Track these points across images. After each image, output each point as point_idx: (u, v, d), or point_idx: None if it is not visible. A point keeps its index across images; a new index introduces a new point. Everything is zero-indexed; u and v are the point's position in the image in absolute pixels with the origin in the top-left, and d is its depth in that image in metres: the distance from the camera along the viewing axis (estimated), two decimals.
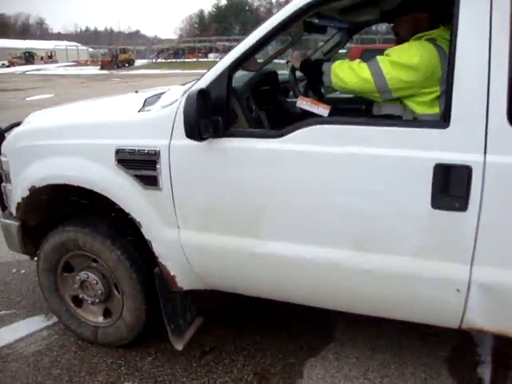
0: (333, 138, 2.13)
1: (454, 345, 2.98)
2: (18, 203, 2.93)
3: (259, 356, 2.92)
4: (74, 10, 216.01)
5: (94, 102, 3.87)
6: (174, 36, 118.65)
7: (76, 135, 2.70)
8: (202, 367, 2.84)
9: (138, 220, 2.59)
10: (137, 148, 2.47)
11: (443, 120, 2.01)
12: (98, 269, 2.88)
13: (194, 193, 2.43)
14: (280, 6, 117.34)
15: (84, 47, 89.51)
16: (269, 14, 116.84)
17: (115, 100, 3.71)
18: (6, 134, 3.19)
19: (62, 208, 3.09)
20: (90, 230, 2.78)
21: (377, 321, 3.13)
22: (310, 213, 2.24)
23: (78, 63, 70.18)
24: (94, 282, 2.90)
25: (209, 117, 2.20)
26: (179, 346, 2.81)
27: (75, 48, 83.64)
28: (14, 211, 3.02)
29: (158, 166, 2.43)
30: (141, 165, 2.47)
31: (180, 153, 2.39)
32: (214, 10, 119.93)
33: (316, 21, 3.37)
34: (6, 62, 68.43)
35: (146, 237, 2.62)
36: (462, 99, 1.93)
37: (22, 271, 4.21)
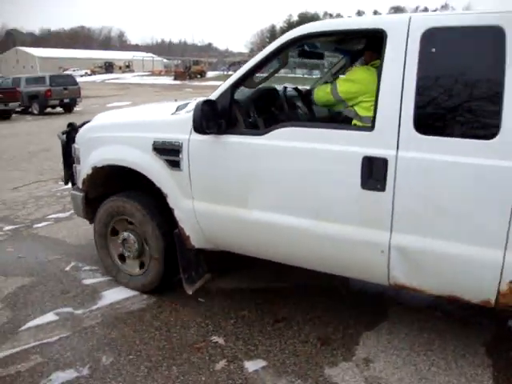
0: (298, 136, 3.03)
1: (493, 332, 3.40)
2: (84, 179, 4.09)
3: (323, 326, 3.47)
4: (152, 23, 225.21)
5: (144, 106, 5.13)
6: (245, 50, 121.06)
7: (126, 130, 3.80)
8: (275, 331, 3.43)
9: (165, 192, 3.55)
10: (167, 140, 3.47)
11: (370, 125, 2.83)
12: (133, 229, 3.90)
13: (204, 174, 3.39)
14: None
15: (159, 58, 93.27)
16: None
17: (158, 106, 4.74)
18: (79, 129, 4.42)
19: (112, 185, 4.13)
20: (128, 198, 3.86)
21: (426, 306, 3.64)
22: (283, 191, 3.10)
23: (153, 73, 73.24)
24: (132, 240, 3.92)
25: (215, 119, 3.16)
26: (189, 291, 3.68)
27: (151, 59, 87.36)
28: (80, 185, 4.20)
29: (180, 154, 3.41)
30: (169, 152, 3.47)
31: (195, 145, 3.35)
32: (286, 25, 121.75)
33: (313, 48, 4.35)
34: (89, 71, 72.62)
35: (170, 205, 3.56)
36: (382, 111, 2.75)
37: None
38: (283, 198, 3.12)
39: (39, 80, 22.71)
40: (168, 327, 3.49)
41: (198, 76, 62.06)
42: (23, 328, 3.54)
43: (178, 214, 3.56)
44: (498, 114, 2.47)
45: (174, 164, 3.47)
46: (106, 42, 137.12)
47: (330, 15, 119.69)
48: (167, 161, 3.49)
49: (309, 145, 2.97)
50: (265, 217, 3.19)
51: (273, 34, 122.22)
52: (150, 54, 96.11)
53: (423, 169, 2.65)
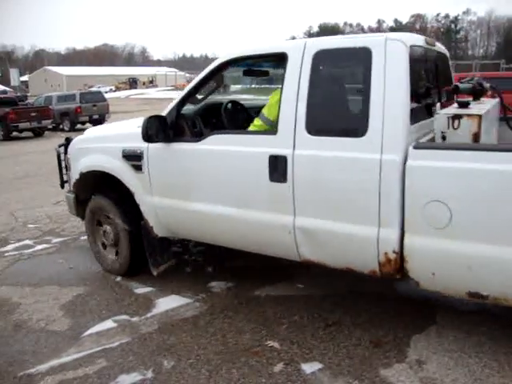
0: (223, 141, 3.78)
1: None
2: (74, 183, 5.02)
3: (373, 330, 3.57)
4: (173, 39, 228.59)
5: (122, 121, 6.16)
6: None
7: (103, 142, 4.72)
8: (327, 335, 3.54)
9: (132, 190, 4.37)
10: (132, 149, 4.29)
11: (274, 131, 3.51)
12: (111, 223, 4.68)
13: (159, 174, 4.17)
14: (371, 32, 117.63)
15: (181, 72, 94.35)
16: None
17: (134, 120, 5.31)
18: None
19: (97, 187, 4.88)
20: (104, 197, 4.73)
21: (473, 310, 3.70)
22: (213, 185, 3.86)
23: (176, 87, 74.13)
24: (109, 231, 4.73)
25: (164, 130, 3.95)
26: (154, 273, 4.48)
27: (173, 73, 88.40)
28: (71, 188, 5.14)
29: (142, 160, 4.23)
30: (134, 158, 4.28)
31: (152, 151, 4.15)
32: (306, 36, 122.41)
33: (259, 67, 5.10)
34: (113, 88, 74.00)
35: (137, 201, 4.37)
36: (282, 118, 3.45)
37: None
38: (213, 191, 3.88)
39: (69, 97, 23.34)
40: (223, 333, 3.62)
41: (221, 90, 62.39)
42: (85, 334, 3.72)
43: (142, 208, 4.36)
44: (367, 117, 3.09)
45: (138, 167, 4.29)
46: (130, 58, 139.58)
47: (350, 25, 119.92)
48: (133, 165, 4.32)
49: (230, 148, 3.73)
50: (202, 207, 3.94)
51: None
52: (172, 69, 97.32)
53: (313, 163, 3.32)
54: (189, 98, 4.16)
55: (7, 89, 78.39)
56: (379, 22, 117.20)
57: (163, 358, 3.36)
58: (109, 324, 3.86)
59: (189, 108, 4.54)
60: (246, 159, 3.63)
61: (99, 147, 4.68)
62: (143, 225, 4.40)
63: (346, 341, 3.44)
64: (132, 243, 4.53)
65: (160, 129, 3.93)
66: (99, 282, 4.67)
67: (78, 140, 5.08)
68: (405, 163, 2.98)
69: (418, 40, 3.59)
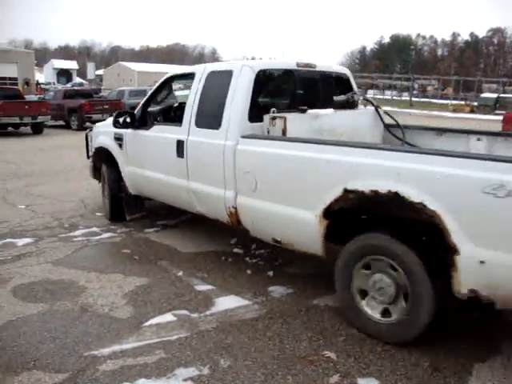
0: (157, 129, 5.68)
1: None
2: (92, 155, 7.23)
3: (433, 353, 3.47)
4: (242, 41, 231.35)
5: None
6: None
7: (107, 127, 6.58)
8: (385, 352, 3.47)
9: (118, 162, 6.35)
10: (118, 133, 6.23)
11: (180, 124, 5.28)
12: (105, 183, 6.98)
13: (130, 150, 6.10)
14: (445, 45, 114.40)
15: None
16: (433, 53, 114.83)
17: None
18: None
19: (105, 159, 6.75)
20: (106, 167, 6.78)
21: None
22: (153, 158, 5.70)
23: None
24: (106, 192, 6.90)
25: (132, 121, 5.91)
26: (127, 218, 6.67)
27: None
28: (91, 159, 7.27)
29: (123, 140, 6.19)
30: (119, 139, 6.27)
31: (127, 135, 6.10)
32: (377, 46, 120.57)
33: None
34: (182, 85, 75.74)
35: (120, 169, 6.34)
36: (185, 115, 5.21)
37: (229, 259, 5.22)
38: (154, 163, 5.71)
39: (141, 93, 24.06)
40: (280, 338, 3.63)
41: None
42: (146, 324, 3.83)
43: (122, 174, 6.34)
44: (221, 116, 4.65)
45: (120, 146, 6.28)
46: (200, 58, 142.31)
47: (423, 37, 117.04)
48: (118, 144, 6.31)
49: (159, 134, 5.60)
50: (148, 173, 5.80)
51: (363, 55, 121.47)
52: None
53: (196, 145, 4.95)
54: (151, 100, 6.13)
55: (83, 81, 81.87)
56: (454, 35, 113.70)
57: (220, 356, 3.40)
58: (169, 317, 3.95)
59: (155, 107, 6.73)
60: (166, 141, 5.37)
61: (105, 131, 6.68)
62: (122, 185, 6.41)
63: (405, 360, 3.36)
64: (113, 199, 6.58)
65: (130, 121, 5.91)
66: (161, 275, 4.79)
67: (96, 125, 7.25)
68: (236, 147, 4.47)
69: (277, 65, 5.34)
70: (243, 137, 4.45)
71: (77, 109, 20.96)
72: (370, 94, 65.86)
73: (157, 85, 6.03)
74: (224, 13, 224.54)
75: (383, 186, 3.33)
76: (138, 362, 3.33)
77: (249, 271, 4.91)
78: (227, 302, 4.21)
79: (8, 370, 3.26)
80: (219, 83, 4.79)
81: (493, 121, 31.07)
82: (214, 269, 4.95)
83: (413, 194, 3.19)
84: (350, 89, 5.66)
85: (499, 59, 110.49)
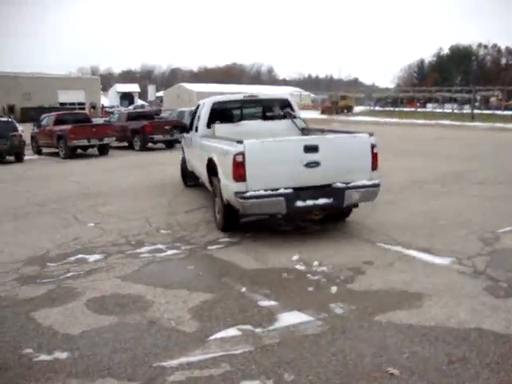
0: (192, 135, 10.25)
1: None
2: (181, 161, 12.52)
3: (503, 373, 3.38)
4: (299, 59, 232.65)
5: None
6: (391, 85, 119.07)
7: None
8: (451, 371, 3.42)
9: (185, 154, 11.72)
10: (185, 136, 11.46)
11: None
12: None
13: (184, 146, 11.55)
14: (510, 53, 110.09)
15: (306, 92, 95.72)
16: (495, 62, 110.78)
17: None
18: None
19: None
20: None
21: None
22: (189, 147, 10.81)
23: (301, 107, 75.15)
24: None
25: (185, 129, 11.88)
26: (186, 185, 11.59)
27: (298, 93, 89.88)
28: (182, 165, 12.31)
29: (184, 140, 11.72)
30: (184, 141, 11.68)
31: (184, 138, 11.46)
32: (435, 59, 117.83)
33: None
34: None
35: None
36: (199, 126, 9.45)
37: (292, 276, 5.29)
38: (187, 151, 11.09)
39: None
40: (344, 354, 3.66)
41: (345, 111, 62.47)
42: (211, 338, 3.96)
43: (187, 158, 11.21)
44: (197, 125, 9.30)
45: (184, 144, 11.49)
46: (257, 76, 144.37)
47: (485, 47, 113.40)
48: (184, 143, 11.50)
49: (187, 135, 10.98)
50: (192, 161, 10.26)
51: (421, 68, 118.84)
52: (297, 89, 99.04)
53: (192, 140, 9.71)
54: (192, 118, 10.47)
55: (144, 103, 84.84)
56: None
57: (284, 370, 3.47)
58: (233, 332, 4.06)
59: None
60: (189, 139, 10.16)
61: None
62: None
63: (472, 381, 3.30)
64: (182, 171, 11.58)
65: (184, 129, 11.54)
66: (225, 291, 4.93)
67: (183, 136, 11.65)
68: (201, 139, 8.78)
69: (233, 97, 9.70)
70: (202, 136, 8.87)
71: (139, 130, 21.79)
72: (429, 107, 64.37)
73: (204, 111, 9.33)
74: (280, 31, 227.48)
75: (212, 155, 7.47)
76: (204, 374, 3.45)
77: (311, 288, 4.96)
78: (290, 318, 4.27)
79: (85, 376, 3.47)
80: (199, 109, 9.87)
81: None
82: (277, 285, 5.03)
83: (214, 157, 7.26)
84: (291, 108, 9.42)
85: None
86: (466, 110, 58.30)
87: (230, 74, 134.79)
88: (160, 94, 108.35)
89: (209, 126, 8.76)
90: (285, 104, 9.39)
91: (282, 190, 6.24)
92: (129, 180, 12.86)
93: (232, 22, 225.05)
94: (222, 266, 5.69)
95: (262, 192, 6.18)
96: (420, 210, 8.48)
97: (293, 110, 9.30)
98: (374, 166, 6.85)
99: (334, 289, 4.91)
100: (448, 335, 3.91)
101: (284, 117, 9.13)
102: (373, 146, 6.80)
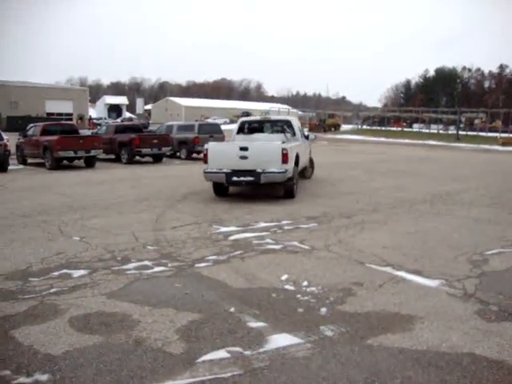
0: (232, 139, 15.35)
1: None
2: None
3: None
4: (288, 76, 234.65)
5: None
6: (378, 104, 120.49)
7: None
8: None
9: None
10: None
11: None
12: None
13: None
14: (492, 77, 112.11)
15: (294, 110, 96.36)
16: (479, 85, 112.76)
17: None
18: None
19: None
20: None
21: None
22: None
23: None
24: None
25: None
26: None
27: (286, 110, 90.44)
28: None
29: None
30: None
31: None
32: (422, 80, 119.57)
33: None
34: (228, 120, 77.17)
35: None
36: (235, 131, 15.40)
37: (281, 296, 5.20)
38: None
39: (189, 128, 24.74)
40: (334, 379, 3.57)
41: (333, 129, 62.92)
42: (199, 360, 3.84)
43: None
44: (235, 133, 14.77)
45: None
46: (245, 93, 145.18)
47: (469, 70, 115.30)
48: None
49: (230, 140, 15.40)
50: None
51: (407, 89, 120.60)
52: (285, 106, 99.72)
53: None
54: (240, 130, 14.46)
55: (133, 116, 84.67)
56: (501, 66, 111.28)
57: None
58: (222, 354, 3.95)
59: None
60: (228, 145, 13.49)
61: None
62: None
63: None
64: None
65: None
66: (213, 311, 4.82)
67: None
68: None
69: (254, 118, 17.07)
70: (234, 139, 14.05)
71: (127, 143, 21.67)
72: (416, 127, 65.08)
73: (237, 125, 14.62)
74: (269, 48, 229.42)
75: None
76: None
77: (300, 309, 4.87)
78: (280, 340, 4.17)
79: None
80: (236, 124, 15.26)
81: None
82: (266, 306, 4.93)
83: None
84: (290, 126, 14.51)
85: None
86: (452, 130, 59.09)
87: (219, 90, 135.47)
88: (148, 107, 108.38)
89: (238, 133, 14.41)
90: (287, 123, 14.78)
91: (224, 170, 11.33)
92: (116, 193, 12.71)
93: (222, 37, 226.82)
94: (210, 285, 5.58)
95: (214, 170, 11.42)
96: (410, 230, 8.47)
97: (291, 127, 14.47)
98: (284, 161, 11.14)
99: (323, 310, 4.83)
100: (441, 360, 3.84)
101: (279, 131, 14.54)
102: (282, 149, 11.19)
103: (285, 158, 11.05)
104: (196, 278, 5.83)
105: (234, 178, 11.25)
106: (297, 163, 12.10)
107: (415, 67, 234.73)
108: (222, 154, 11.45)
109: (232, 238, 7.81)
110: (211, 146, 11.63)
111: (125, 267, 6.24)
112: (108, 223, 8.89)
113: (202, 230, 8.41)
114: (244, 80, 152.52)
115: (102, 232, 8.19)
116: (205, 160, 11.47)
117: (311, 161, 15.99)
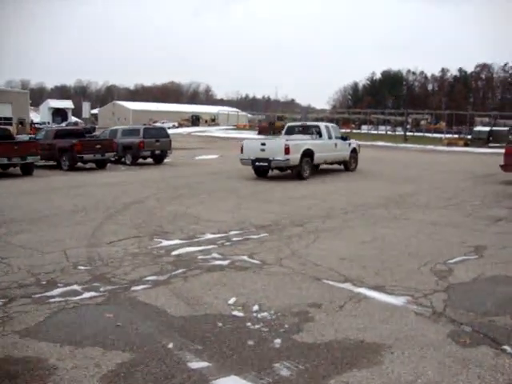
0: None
1: None
2: None
3: None
4: (237, 79, 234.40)
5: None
6: (327, 106, 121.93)
7: None
8: None
9: None
10: None
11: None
12: None
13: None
14: (435, 80, 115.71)
15: (243, 113, 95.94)
16: (423, 88, 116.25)
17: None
18: None
19: None
20: None
21: None
22: None
23: (237, 127, 75.18)
24: None
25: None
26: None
27: (236, 113, 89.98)
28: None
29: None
30: None
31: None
32: (369, 82, 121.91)
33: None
34: (176, 124, 75.92)
35: None
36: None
37: (228, 325, 4.49)
38: None
39: (134, 132, 23.61)
40: None
41: (282, 131, 62.77)
42: None
43: None
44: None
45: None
46: (194, 96, 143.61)
47: (413, 73, 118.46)
48: None
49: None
50: None
51: (355, 91, 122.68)
52: (234, 109, 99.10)
53: None
54: (286, 132, 19.73)
55: (78, 120, 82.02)
56: (443, 70, 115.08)
57: None
58: None
59: None
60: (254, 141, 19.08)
61: None
62: None
63: None
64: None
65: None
66: (148, 348, 4.04)
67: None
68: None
69: (296, 123, 22.98)
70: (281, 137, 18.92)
71: (68, 149, 20.41)
72: (364, 129, 65.95)
73: (285, 129, 20.15)
74: (218, 51, 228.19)
75: None
76: None
77: (251, 341, 4.17)
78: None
79: None
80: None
81: (488, 154, 30.68)
82: (211, 339, 4.20)
83: None
84: (319, 130, 18.67)
85: (487, 93, 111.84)
86: (399, 132, 60.17)
87: (168, 93, 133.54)
88: (95, 111, 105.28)
89: (286, 134, 19.26)
90: (316, 127, 19.02)
91: (251, 158, 16.60)
92: (50, 203, 11.62)
93: (170, 40, 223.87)
94: (147, 313, 4.80)
95: (245, 157, 16.81)
96: (366, 238, 7.94)
97: (319, 130, 18.55)
98: (286, 153, 15.77)
99: (277, 342, 4.15)
100: None
101: (311, 133, 18.55)
102: (285, 145, 15.88)
103: (287, 151, 15.73)
104: (131, 305, 5.03)
105: (257, 164, 16.60)
106: (308, 155, 16.66)
107: (362, 70, 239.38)
108: (250, 148, 16.76)
109: (175, 252, 7.04)
110: (245, 142, 17.28)
111: (49, 294, 5.37)
112: (36, 239, 7.92)
113: (143, 244, 7.58)
114: (193, 83, 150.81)
115: (28, 250, 7.22)
116: (241, 151, 16.99)
117: (353, 158, 20.02)
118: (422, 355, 3.91)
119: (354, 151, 20.05)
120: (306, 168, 16.74)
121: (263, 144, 16.46)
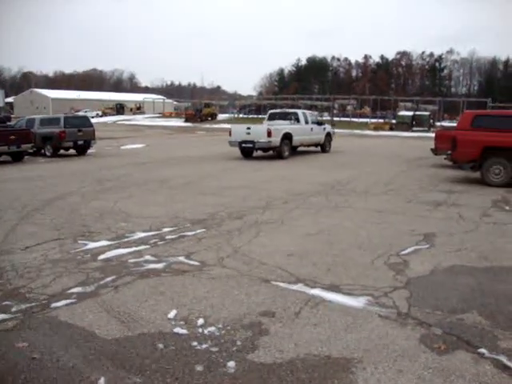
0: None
1: None
2: None
3: None
4: (162, 66, 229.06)
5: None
6: (253, 92, 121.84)
7: None
8: None
9: None
10: None
11: None
12: None
13: None
14: (359, 67, 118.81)
15: (169, 100, 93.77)
16: (348, 74, 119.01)
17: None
18: None
19: None
20: None
21: None
22: None
23: (164, 115, 73.33)
24: None
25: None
26: None
27: (161, 101, 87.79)
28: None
29: None
30: None
31: None
32: (294, 69, 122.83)
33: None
34: (100, 112, 72.85)
35: None
36: None
37: (171, 347, 3.79)
38: None
39: (53, 121, 21.94)
40: None
41: (209, 118, 61.95)
42: None
43: None
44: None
45: None
46: (118, 84, 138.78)
47: (338, 59, 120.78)
48: None
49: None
50: None
51: (281, 77, 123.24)
52: (160, 96, 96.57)
53: None
54: (268, 118, 21.95)
55: None
56: (366, 57, 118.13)
57: None
58: None
59: None
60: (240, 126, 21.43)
61: None
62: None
63: None
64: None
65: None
66: None
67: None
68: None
69: (276, 110, 24.59)
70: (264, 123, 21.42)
71: None
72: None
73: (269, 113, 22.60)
74: (141, 37, 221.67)
75: None
76: None
77: (199, 367, 3.49)
78: None
79: None
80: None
81: (413, 138, 31.49)
82: (150, 367, 3.48)
83: None
84: (297, 116, 21.08)
85: (408, 80, 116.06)
86: (326, 117, 60.91)
87: (90, 81, 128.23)
88: (10, 99, 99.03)
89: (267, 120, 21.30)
90: (295, 114, 21.28)
91: (238, 140, 19.05)
92: None
93: (91, 25, 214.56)
94: (72, 338, 3.99)
95: (233, 140, 19.31)
96: (312, 230, 7.45)
97: (297, 116, 20.86)
98: (268, 136, 18.13)
99: (231, 365, 3.50)
100: None
101: (290, 119, 20.62)
102: (267, 129, 18.27)
103: (269, 134, 18.10)
104: (51, 328, 4.18)
105: (243, 145, 18.89)
106: (287, 138, 18.96)
107: (288, 56, 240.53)
108: (237, 132, 19.10)
109: (102, 256, 6.20)
110: (233, 127, 19.94)
111: None
112: None
113: (65, 248, 6.66)
114: (116, 70, 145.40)
115: None
116: (229, 134, 19.36)
117: (328, 141, 22.61)
118: (398, 369, 3.42)
119: (329, 135, 22.74)
120: (286, 149, 19.15)
121: (248, 128, 18.91)
